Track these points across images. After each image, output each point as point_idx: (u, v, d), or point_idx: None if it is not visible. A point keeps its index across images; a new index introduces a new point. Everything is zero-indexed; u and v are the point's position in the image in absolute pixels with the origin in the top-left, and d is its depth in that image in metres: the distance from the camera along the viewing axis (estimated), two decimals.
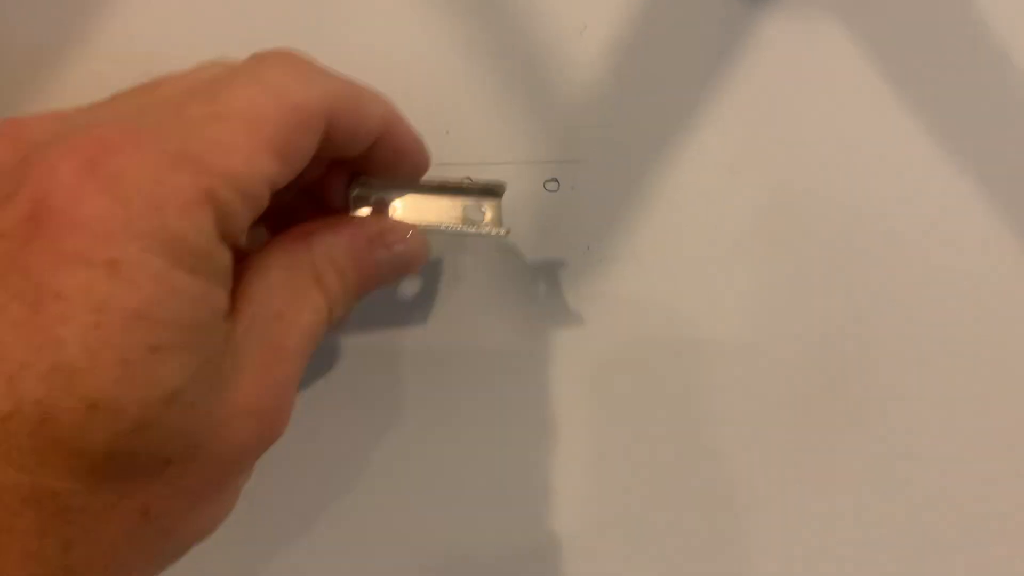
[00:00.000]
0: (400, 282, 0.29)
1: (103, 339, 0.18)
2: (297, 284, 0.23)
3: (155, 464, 0.19)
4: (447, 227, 0.27)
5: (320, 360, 0.30)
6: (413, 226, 0.26)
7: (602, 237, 0.30)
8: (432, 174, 0.27)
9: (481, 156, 0.27)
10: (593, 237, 0.30)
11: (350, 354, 0.30)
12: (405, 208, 0.27)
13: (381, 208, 0.27)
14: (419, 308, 0.30)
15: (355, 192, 0.27)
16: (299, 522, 0.29)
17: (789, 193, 0.30)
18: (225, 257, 0.20)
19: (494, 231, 0.27)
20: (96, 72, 0.29)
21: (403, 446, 0.30)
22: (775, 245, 0.30)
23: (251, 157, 0.20)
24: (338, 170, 0.26)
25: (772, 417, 0.30)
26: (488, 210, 0.28)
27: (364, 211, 0.27)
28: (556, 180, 0.29)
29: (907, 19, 0.31)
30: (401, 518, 0.30)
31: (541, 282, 0.30)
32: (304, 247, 0.24)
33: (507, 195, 0.27)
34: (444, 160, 0.29)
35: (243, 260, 0.23)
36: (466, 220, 0.28)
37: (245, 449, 0.21)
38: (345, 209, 0.27)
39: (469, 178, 0.28)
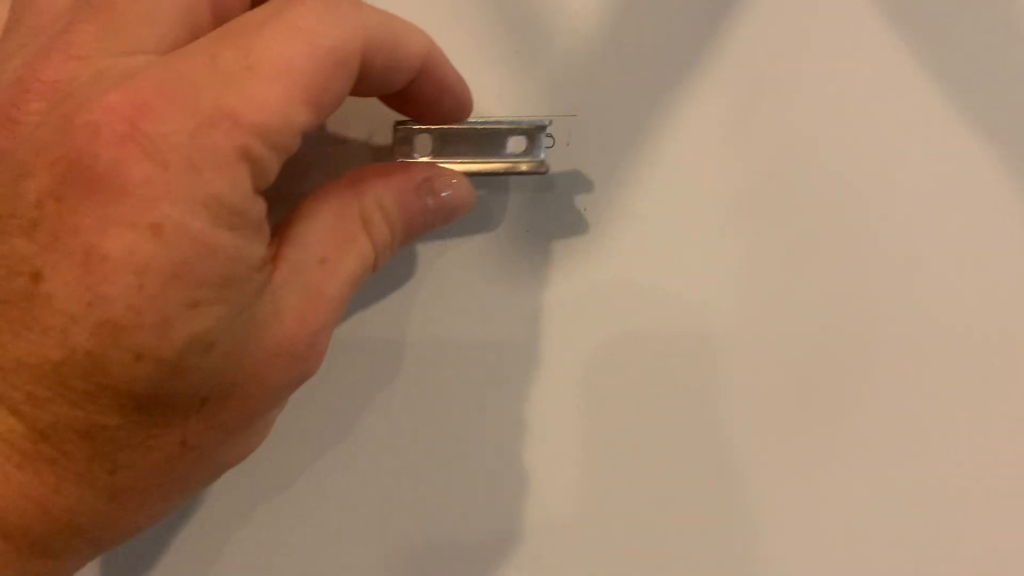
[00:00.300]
0: (442, 228, 0.30)
1: (146, 298, 0.19)
2: (345, 231, 0.24)
3: (193, 403, 0.21)
4: (491, 170, 0.28)
5: None
6: (458, 172, 0.27)
7: (599, 198, 0.30)
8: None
9: (474, 111, 0.27)
10: (589, 199, 0.30)
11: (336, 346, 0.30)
12: (448, 152, 0.28)
13: (424, 152, 0.28)
14: (407, 298, 0.30)
15: (398, 135, 0.27)
16: (291, 513, 0.30)
17: (789, 152, 0.30)
18: (260, 209, 0.21)
19: (537, 169, 0.28)
20: None
21: (392, 437, 0.30)
22: (774, 206, 0.30)
23: (285, 110, 0.20)
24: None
25: (770, 398, 0.30)
26: (531, 149, 0.28)
27: (408, 156, 0.28)
28: (551, 136, 0.29)
29: None
30: (391, 509, 0.30)
31: (535, 257, 0.30)
32: (354, 194, 0.25)
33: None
34: None
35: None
36: (509, 161, 0.28)
37: (278, 389, 0.23)
38: (388, 153, 0.27)
39: (507, 120, 0.29)
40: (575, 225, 0.30)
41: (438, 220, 0.27)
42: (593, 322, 0.30)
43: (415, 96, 0.25)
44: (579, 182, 0.30)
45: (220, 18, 0.22)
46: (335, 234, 0.24)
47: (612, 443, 0.30)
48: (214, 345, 0.20)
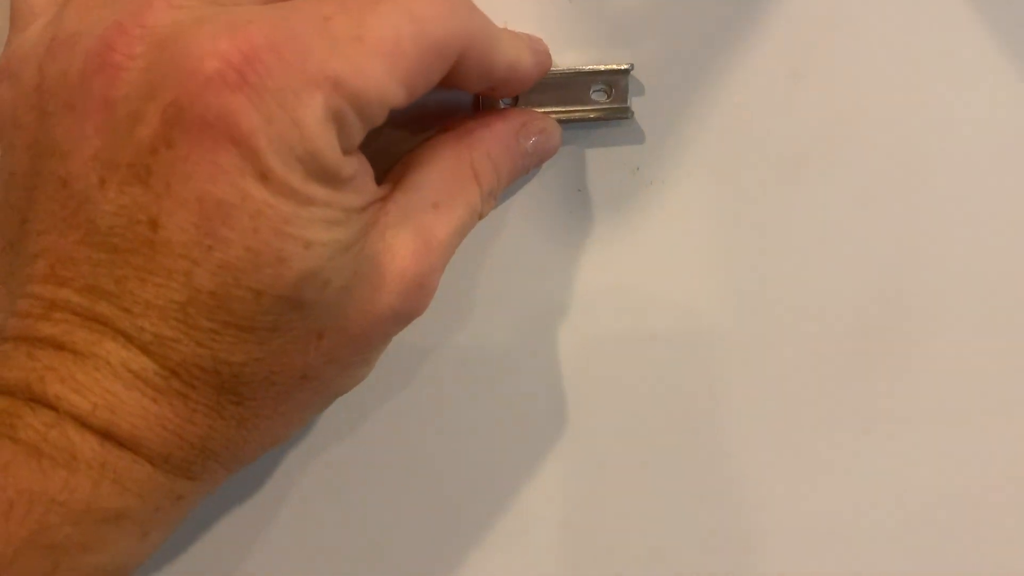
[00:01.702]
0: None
1: (262, 241, 0.21)
2: (457, 180, 0.25)
3: (310, 338, 0.23)
4: (578, 113, 0.29)
5: None
6: (549, 117, 0.28)
7: (652, 155, 0.30)
8: None
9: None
10: (643, 157, 0.30)
11: None
12: (532, 100, 0.29)
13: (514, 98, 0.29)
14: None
15: None
16: (293, 515, 0.31)
17: (851, 112, 0.30)
18: (350, 166, 0.22)
19: (622, 113, 0.29)
20: None
21: (394, 439, 0.31)
22: (832, 168, 0.30)
23: (383, 86, 0.21)
24: None
25: (775, 397, 0.31)
26: (615, 92, 0.29)
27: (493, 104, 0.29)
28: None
29: None
30: (392, 509, 0.31)
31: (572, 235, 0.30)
32: (465, 145, 0.26)
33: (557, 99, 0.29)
34: None
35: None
36: (594, 104, 0.29)
37: (387, 326, 0.24)
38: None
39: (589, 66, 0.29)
40: (626, 183, 0.30)
41: (532, 163, 0.28)
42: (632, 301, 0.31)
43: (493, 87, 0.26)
44: (633, 139, 0.30)
45: None
46: (448, 182, 0.25)
47: (620, 445, 0.31)
48: (329, 281, 0.22)
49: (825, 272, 0.30)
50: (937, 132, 0.30)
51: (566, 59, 0.29)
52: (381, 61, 0.21)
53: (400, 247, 0.24)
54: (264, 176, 0.21)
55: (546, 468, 0.31)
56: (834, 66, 0.30)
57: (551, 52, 0.28)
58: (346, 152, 0.22)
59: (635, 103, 0.30)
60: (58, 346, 0.21)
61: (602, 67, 0.29)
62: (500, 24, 0.26)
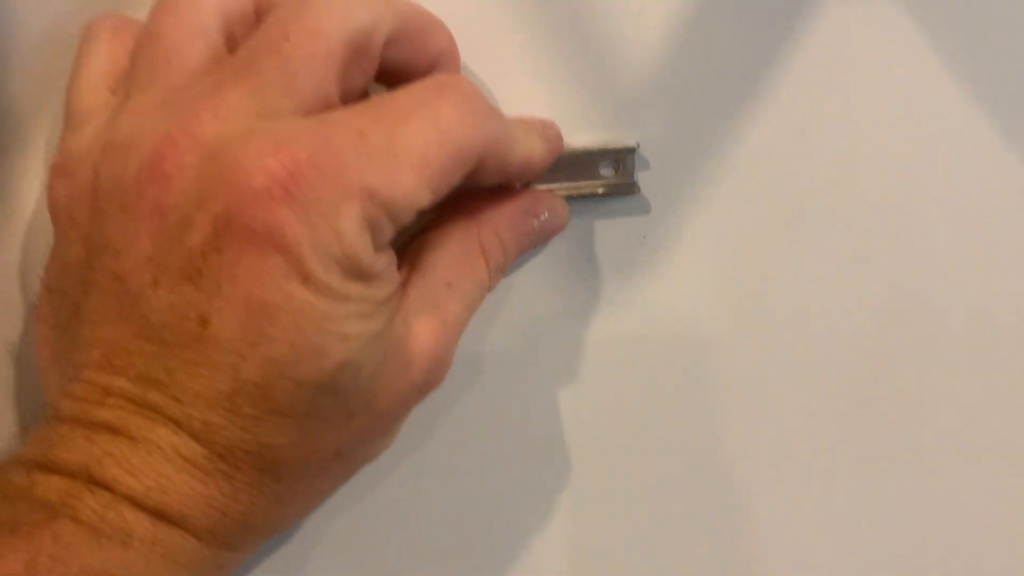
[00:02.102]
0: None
1: (304, 337, 0.23)
2: (467, 258, 0.27)
3: (343, 418, 0.25)
4: (587, 189, 0.31)
5: None
6: (557, 196, 0.30)
7: (658, 225, 0.32)
8: None
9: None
10: (649, 226, 0.32)
11: None
12: (547, 174, 0.31)
13: None
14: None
15: None
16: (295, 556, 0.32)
17: (845, 184, 0.31)
18: (382, 261, 0.24)
19: (629, 189, 0.31)
20: None
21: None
22: (828, 227, 0.32)
23: (412, 192, 0.23)
24: None
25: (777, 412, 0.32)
26: (622, 169, 0.31)
27: None
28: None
29: (980, 11, 0.31)
30: (390, 515, 0.32)
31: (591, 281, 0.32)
32: (474, 224, 0.28)
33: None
34: None
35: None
36: (603, 180, 0.31)
37: (410, 400, 0.26)
38: None
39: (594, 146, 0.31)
40: (634, 252, 0.32)
41: (539, 240, 0.30)
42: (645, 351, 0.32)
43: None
44: (639, 210, 0.32)
45: (347, 91, 0.25)
46: (459, 262, 0.27)
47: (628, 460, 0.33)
48: (361, 367, 0.24)
49: (825, 325, 0.32)
50: (927, 194, 0.32)
51: (577, 139, 0.31)
52: (411, 171, 0.23)
53: (420, 329, 0.26)
54: (306, 279, 0.22)
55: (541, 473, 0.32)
56: (827, 134, 0.31)
57: (563, 133, 0.30)
58: (377, 250, 0.24)
59: (641, 177, 0.31)
60: (113, 431, 0.23)
61: (610, 147, 0.31)
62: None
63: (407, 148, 0.23)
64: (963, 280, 0.32)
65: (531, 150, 0.28)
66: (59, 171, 0.26)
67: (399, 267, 0.26)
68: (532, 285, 0.32)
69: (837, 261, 0.32)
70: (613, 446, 0.32)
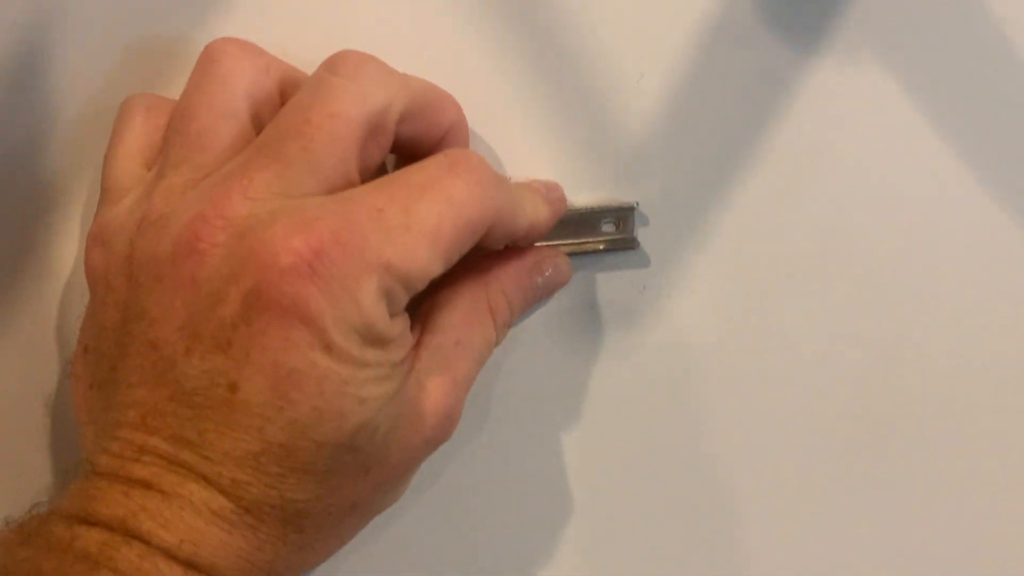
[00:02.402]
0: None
1: (326, 401, 0.24)
2: (475, 315, 0.29)
3: (360, 473, 0.26)
4: (589, 245, 0.33)
5: None
6: (560, 252, 0.32)
7: (657, 276, 0.33)
8: None
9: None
10: (648, 278, 0.33)
11: None
12: (551, 231, 0.32)
13: None
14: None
15: None
16: None
17: (834, 238, 0.33)
18: (396, 326, 0.26)
19: (629, 244, 0.33)
20: None
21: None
22: (821, 280, 0.33)
23: (426, 264, 0.25)
24: None
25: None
26: (623, 225, 0.33)
27: None
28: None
29: (963, 72, 0.32)
30: (400, 554, 0.33)
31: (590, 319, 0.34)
32: (482, 284, 0.30)
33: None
34: None
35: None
36: (604, 236, 0.33)
37: (422, 454, 0.28)
38: None
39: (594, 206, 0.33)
40: (634, 302, 0.34)
41: (543, 295, 0.32)
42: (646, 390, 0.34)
43: None
44: (639, 262, 0.33)
45: (365, 166, 0.27)
46: (467, 321, 0.29)
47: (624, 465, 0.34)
48: (378, 427, 0.26)
49: (819, 375, 0.34)
50: (914, 251, 0.33)
51: (580, 198, 0.33)
52: (425, 244, 0.25)
53: (432, 387, 0.28)
54: (328, 348, 0.24)
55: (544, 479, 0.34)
56: (816, 194, 0.33)
57: (567, 193, 0.32)
58: (392, 316, 0.26)
59: (641, 233, 0.33)
60: (148, 486, 0.25)
61: (611, 205, 0.33)
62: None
63: (422, 223, 0.25)
64: (949, 322, 0.33)
65: (536, 214, 0.29)
66: (96, 240, 0.27)
67: (412, 327, 0.28)
68: (537, 334, 0.34)
69: (827, 311, 0.33)
70: (615, 491, 0.34)
